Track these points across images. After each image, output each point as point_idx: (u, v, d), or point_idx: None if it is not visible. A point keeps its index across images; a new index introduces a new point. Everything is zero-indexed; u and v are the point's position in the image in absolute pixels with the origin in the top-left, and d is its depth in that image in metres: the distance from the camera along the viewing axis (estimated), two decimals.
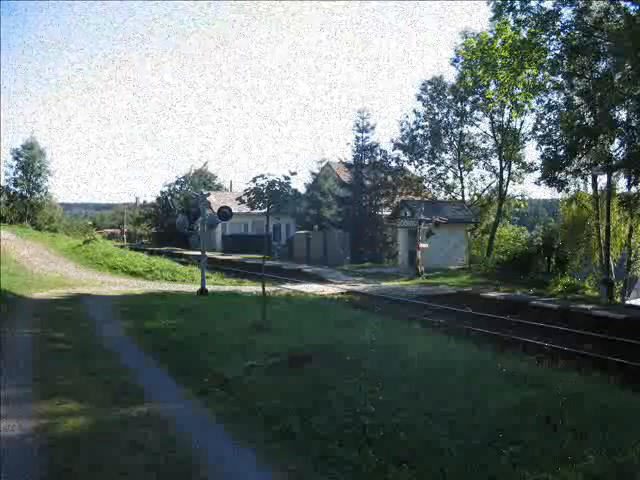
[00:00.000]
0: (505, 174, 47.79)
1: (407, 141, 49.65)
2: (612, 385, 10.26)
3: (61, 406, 8.40)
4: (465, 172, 50.64)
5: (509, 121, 46.23)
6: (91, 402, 8.61)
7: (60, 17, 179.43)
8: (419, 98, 49.84)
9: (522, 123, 45.75)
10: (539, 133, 32.84)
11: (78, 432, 7.37)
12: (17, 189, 68.16)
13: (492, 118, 47.48)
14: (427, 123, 49.58)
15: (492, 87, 43.25)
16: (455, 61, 46.71)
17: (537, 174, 32.56)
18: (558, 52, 27.52)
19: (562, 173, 28.02)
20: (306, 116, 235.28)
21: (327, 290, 27.94)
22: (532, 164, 43.94)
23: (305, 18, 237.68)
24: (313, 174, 55.73)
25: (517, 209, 52.38)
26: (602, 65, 26.72)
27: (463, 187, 50.71)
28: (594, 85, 25.81)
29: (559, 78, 29.00)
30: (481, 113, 48.00)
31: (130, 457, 6.61)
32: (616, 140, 26.93)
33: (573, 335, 18.77)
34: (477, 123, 49.06)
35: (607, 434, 6.79)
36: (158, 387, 9.83)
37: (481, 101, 46.21)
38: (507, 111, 45.59)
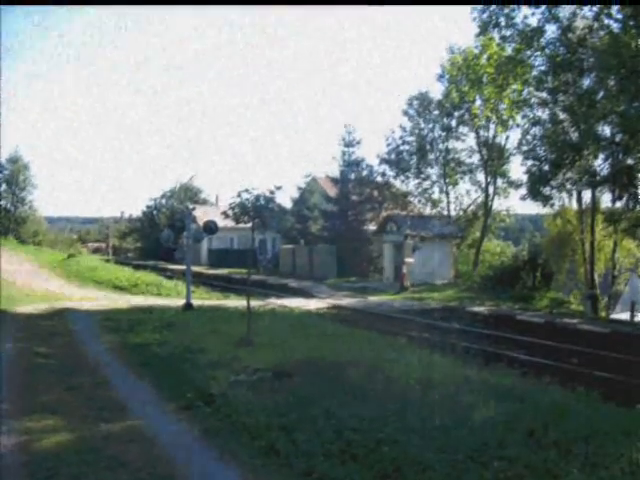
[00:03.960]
0: (491, 189, 48.01)
1: (393, 156, 49.75)
2: (596, 399, 10.29)
3: (43, 422, 8.32)
4: (451, 187, 50.76)
5: (494, 136, 46.46)
6: (74, 418, 8.54)
7: (44, 28, 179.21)
8: (405, 113, 50.06)
9: (507, 138, 46.03)
10: (524, 148, 32.93)
11: (60, 448, 7.28)
12: (1, 203, 67.80)
13: (478, 133, 47.68)
14: (413, 138, 49.74)
15: (478, 102, 43.75)
16: (441, 77, 47.03)
17: (523, 190, 32.71)
18: (543, 68, 27.76)
19: (547, 188, 28.11)
20: (292, 130, 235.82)
21: (313, 305, 27.89)
22: (518, 181, 44.10)
23: (292, 33, 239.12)
24: (299, 188, 55.69)
25: (503, 224, 52.57)
26: (586, 81, 26.88)
27: (449, 202, 50.82)
28: (578, 101, 25.94)
29: (544, 94, 29.19)
30: (467, 128, 48.21)
31: (112, 473, 6.55)
32: (600, 156, 27.03)
33: (558, 349, 18.82)
34: (463, 138, 49.24)
35: (591, 449, 6.81)
36: (142, 402, 9.75)
37: (467, 116, 46.49)
38: (492, 126, 45.92)
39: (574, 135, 27.01)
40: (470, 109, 45.01)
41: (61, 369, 11.79)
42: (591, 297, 29.55)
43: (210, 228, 23.06)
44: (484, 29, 27.88)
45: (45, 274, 37.47)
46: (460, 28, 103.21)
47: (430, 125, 49.55)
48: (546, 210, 33.49)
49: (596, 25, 25.27)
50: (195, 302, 23.26)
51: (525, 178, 30.96)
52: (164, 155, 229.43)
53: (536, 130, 31.44)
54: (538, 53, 27.43)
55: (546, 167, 27.74)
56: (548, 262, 34.04)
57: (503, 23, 26.93)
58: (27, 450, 7.25)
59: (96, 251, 79.07)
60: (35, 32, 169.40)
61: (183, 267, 29.09)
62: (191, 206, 31.62)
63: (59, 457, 6.97)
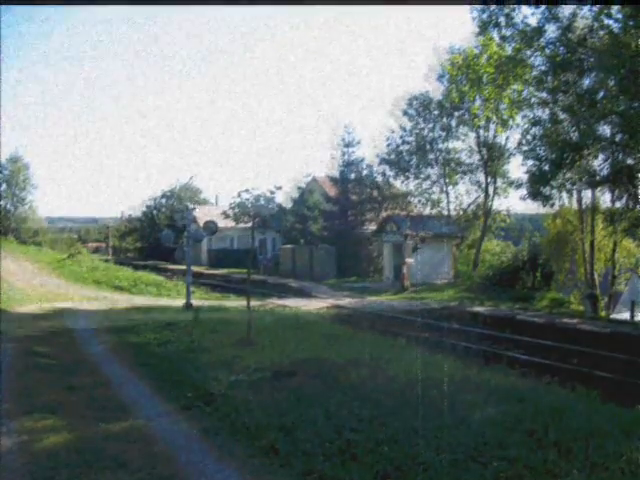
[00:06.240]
0: (490, 189, 47.94)
1: (393, 156, 49.61)
2: (596, 399, 10.28)
3: (43, 422, 8.31)
4: (451, 187, 50.60)
5: (494, 136, 46.36)
6: (73, 418, 8.53)
7: (44, 27, 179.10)
8: (405, 113, 49.86)
9: (507, 138, 45.88)
10: (524, 148, 32.89)
11: (60, 448, 7.27)
12: (1, 203, 67.73)
13: (478, 133, 47.57)
14: (413, 138, 49.60)
15: (478, 102, 43.67)
16: (441, 76, 46.94)
17: (523, 190, 32.69)
18: (543, 68, 27.73)
19: (547, 188, 28.09)
20: (292, 130, 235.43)
21: (313, 305, 27.88)
22: (518, 181, 43.93)
23: (290, 32, 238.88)
24: (299, 188, 55.64)
25: (502, 224, 52.48)
26: (586, 81, 26.85)
27: (449, 202, 50.67)
28: (578, 101, 25.91)
29: (544, 94, 29.16)
30: (467, 128, 48.10)
31: (112, 473, 6.53)
32: (600, 155, 27.01)
33: (558, 349, 18.82)
34: (463, 138, 49.06)
35: (591, 448, 6.80)
36: (142, 402, 9.75)
37: (467, 116, 46.42)
38: (492, 126, 45.83)
39: (574, 135, 27.00)
40: (470, 109, 44.90)
41: (61, 369, 11.79)
42: (591, 297, 29.52)
43: (210, 228, 23.08)
44: (484, 29, 27.86)
45: (45, 274, 37.43)
46: (459, 27, 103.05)
47: (430, 125, 49.46)
48: (546, 210, 33.52)
49: (596, 25, 25.24)
50: (195, 302, 23.29)
51: (525, 178, 30.96)
52: (164, 155, 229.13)
53: (536, 130, 31.40)
54: (538, 53, 27.39)
55: (546, 167, 27.71)
56: (548, 262, 34.04)
57: (503, 23, 26.88)
58: (27, 450, 7.24)
59: (96, 251, 78.93)
60: (35, 31, 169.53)
61: (183, 267, 29.11)
62: (191, 206, 31.70)
63: (59, 457, 6.96)
